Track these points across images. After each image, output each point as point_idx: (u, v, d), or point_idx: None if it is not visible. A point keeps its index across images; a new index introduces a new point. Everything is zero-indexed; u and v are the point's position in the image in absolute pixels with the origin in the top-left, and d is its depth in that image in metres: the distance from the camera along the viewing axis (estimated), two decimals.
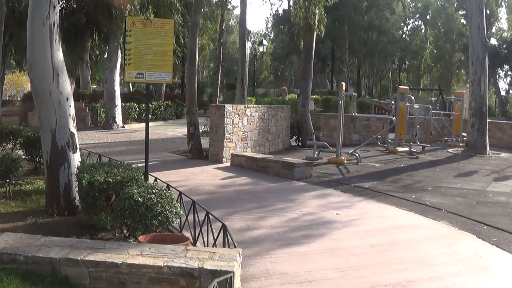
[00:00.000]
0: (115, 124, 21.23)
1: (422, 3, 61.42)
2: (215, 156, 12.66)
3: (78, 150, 7.42)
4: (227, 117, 12.50)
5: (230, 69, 62.37)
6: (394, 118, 14.28)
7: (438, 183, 10.64)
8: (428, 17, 61.41)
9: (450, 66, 58.64)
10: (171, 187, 6.38)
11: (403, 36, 59.94)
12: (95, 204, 5.84)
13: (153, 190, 5.23)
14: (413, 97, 18.52)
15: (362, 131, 19.11)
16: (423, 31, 62.27)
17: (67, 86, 7.22)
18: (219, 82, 23.54)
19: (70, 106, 7.22)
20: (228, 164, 12.35)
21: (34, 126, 20.85)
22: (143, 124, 24.43)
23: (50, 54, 6.87)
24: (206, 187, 9.26)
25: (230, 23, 62.55)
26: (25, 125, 21.88)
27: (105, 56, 24.23)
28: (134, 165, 6.43)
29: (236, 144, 12.97)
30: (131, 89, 44.77)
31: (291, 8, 26.94)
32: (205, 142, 13.64)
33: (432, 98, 47.07)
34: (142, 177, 6.29)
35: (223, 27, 23.56)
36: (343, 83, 13.71)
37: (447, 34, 57.77)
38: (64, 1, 29.23)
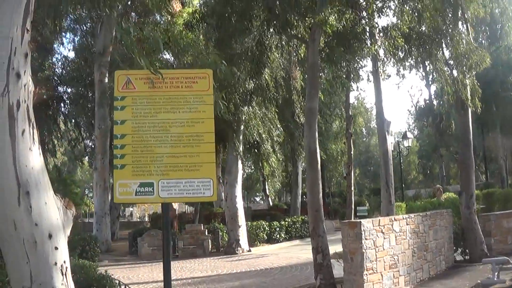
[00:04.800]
0: (239, 248, 17.90)
1: None
2: None
3: None
4: (366, 238, 8.36)
5: (376, 173, 58.28)
6: None
7: None
8: None
9: None
10: None
11: None
12: None
13: None
14: None
15: None
16: None
17: (51, 213, 4.06)
18: (352, 188, 18.56)
19: (56, 248, 4.00)
20: None
21: (144, 254, 18.27)
22: (274, 246, 20.86)
23: (12, 157, 3.86)
24: None
25: (370, 124, 60.03)
26: (133, 250, 19.43)
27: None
28: None
29: (382, 275, 8.63)
30: (270, 203, 41.66)
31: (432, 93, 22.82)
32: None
33: None
34: None
35: (350, 112, 19.33)
36: None
37: None
38: None
